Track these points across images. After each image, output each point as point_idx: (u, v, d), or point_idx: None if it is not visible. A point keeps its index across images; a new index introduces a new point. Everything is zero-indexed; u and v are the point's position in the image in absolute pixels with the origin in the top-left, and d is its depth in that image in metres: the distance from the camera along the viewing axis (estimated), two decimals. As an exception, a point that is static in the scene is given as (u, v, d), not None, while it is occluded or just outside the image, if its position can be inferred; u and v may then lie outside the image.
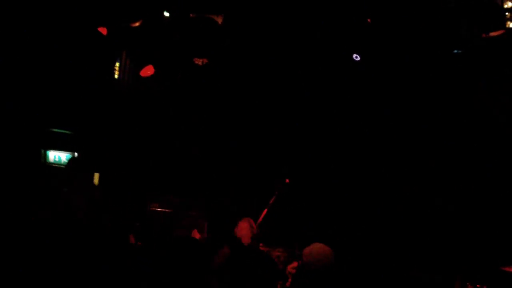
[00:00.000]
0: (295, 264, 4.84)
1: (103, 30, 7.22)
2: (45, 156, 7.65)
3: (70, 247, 4.52)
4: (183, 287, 3.70)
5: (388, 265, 6.93)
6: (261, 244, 6.15)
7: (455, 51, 6.99)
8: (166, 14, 7.30)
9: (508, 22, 6.58)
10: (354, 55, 7.26)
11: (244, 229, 6.10)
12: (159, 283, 3.80)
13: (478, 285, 5.51)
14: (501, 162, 6.88)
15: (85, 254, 4.54)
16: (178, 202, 7.42)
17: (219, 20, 7.27)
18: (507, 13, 6.57)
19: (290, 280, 4.85)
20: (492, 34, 6.70)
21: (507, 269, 5.64)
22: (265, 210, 6.13)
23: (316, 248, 4.16)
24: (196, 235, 6.15)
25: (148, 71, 7.63)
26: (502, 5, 6.62)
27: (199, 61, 7.48)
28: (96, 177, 7.48)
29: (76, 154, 7.58)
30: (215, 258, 4.92)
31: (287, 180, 6.59)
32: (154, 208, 7.41)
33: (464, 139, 7.15)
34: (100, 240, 4.84)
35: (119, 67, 7.78)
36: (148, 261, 4.13)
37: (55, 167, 7.63)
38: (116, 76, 7.86)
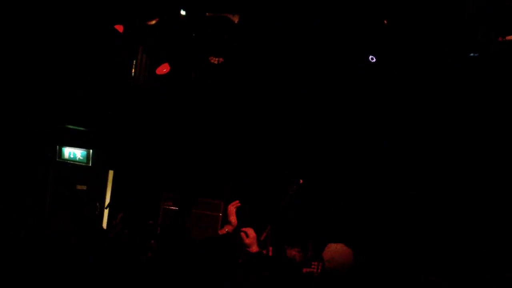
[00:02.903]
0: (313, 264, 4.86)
1: (120, 28, 7.24)
2: (60, 152, 7.68)
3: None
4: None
5: (395, 266, 6.93)
6: (270, 248, 6.14)
7: (471, 54, 6.96)
8: (183, 12, 7.30)
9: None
10: (370, 57, 7.24)
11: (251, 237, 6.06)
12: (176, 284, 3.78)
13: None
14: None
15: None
16: (193, 201, 7.43)
17: (235, 19, 7.27)
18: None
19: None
20: (509, 38, 6.66)
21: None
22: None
23: (339, 250, 4.20)
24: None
25: (164, 69, 7.65)
26: (520, 9, 6.58)
27: (215, 60, 7.48)
28: (110, 174, 7.54)
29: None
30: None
31: (301, 181, 6.58)
32: (168, 207, 7.43)
33: (477, 143, 7.13)
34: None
35: (135, 64, 7.79)
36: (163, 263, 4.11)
37: (70, 163, 7.67)
38: (132, 74, 7.87)
